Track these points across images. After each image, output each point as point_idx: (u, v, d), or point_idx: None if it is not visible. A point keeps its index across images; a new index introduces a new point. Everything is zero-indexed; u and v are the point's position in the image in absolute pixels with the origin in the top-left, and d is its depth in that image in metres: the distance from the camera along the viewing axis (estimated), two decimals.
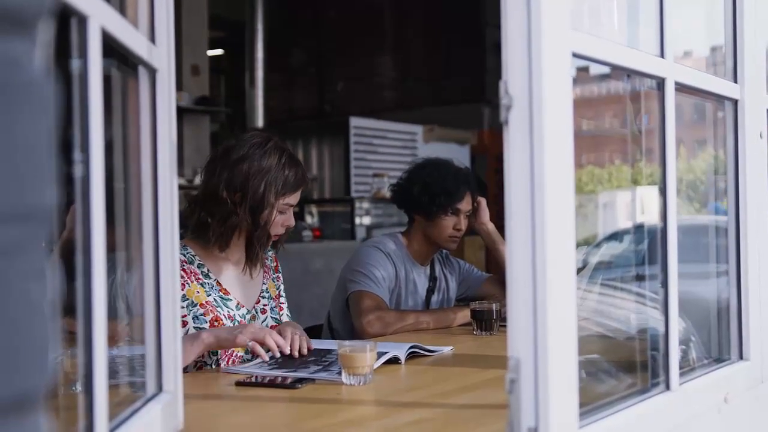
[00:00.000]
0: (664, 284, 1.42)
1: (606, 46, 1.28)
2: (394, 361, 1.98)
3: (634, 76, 1.56)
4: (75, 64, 0.93)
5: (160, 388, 1.26)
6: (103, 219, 0.94)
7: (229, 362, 2.10)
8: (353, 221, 7.04)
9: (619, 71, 1.51)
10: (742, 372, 1.68)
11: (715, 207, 2.34)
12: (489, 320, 2.48)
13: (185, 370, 1.87)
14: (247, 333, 1.93)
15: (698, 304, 1.85)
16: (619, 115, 1.87)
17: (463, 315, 2.65)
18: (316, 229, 6.73)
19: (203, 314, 2.09)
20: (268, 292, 2.30)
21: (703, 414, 1.54)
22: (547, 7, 1.07)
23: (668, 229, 1.41)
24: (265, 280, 2.30)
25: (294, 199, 2.18)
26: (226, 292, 2.17)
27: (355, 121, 7.82)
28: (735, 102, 1.70)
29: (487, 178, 7.48)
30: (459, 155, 7.12)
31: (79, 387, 1.04)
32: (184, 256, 2.12)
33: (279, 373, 1.85)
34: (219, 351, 2.06)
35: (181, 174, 6.78)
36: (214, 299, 2.13)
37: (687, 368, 1.57)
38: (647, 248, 1.68)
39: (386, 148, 7.96)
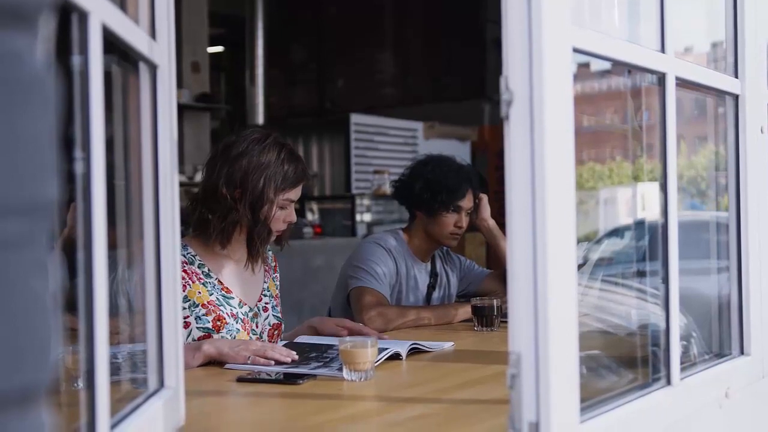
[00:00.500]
0: (665, 280, 1.42)
1: (606, 42, 1.28)
2: (395, 357, 1.98)
3: (634, 72, 1.56)
4: (76, 60, 0.93)
5: (161, 383, 1.26)
6: (105, 216, 0.94)
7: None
8: (354, 218, 7.04)
9: (619, 67, 1.51)
10: (742, 367, 1.68)
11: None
12: (490, 316, 2.48)
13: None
14: (249, 351, 1.93)
15: (699, 299, 1.85)
16: (619, 111, 1.87)
17: (464, 311, 2.65)
18: (316, 226, 6.73)
19: (205, 314, 2.09)
20: (269, 291, 2.30)
21: (704, 409, 1.54)
22: (548, 2, 1.07)
23: (669, 224, 1.41)
24: (266, 279, 2.30)
25: (294, 194, 2.18)
26: (228, 291, 2.17)
27: (355, 118, 7.82)
28: (736, 97, 1.70)
29: (487, 174, 7.48)
30: (459, 152, 7.13)
31: (80, 384, 1.04)
32: (185, 256, 2.12)
33: (281, 369, 1.85)
34: None
35: (181, 171, 6.79)
36: (216, 298, 2.13)
37: (688, 364, 1.58)
38: (648, 244, 1.68)
39: (387, 145, 7.97)
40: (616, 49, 1.31)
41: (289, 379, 1.76)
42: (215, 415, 1.56)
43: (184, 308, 2.06)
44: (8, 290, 0.47)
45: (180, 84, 7.13)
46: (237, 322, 2.14)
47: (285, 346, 2.02)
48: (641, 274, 1.79)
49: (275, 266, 2.39)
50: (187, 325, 2.06)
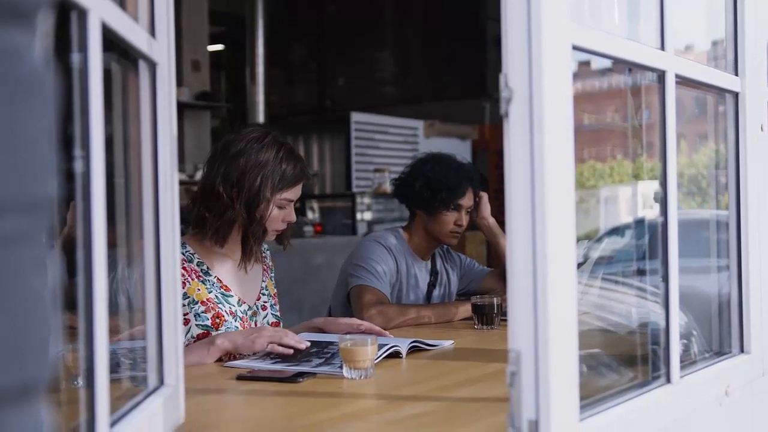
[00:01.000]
0: (665, 278, 1.42)
1: (606, 39, 1.28)
2: (396, 355, 1.98)
3: (635, 70, 1.56)
4: (75, 57, 0.93)
5: (161, 381, 1.26)
6: (104, 214, 0.94)
7: (230, 356, 2.10)
8: (354, 216, 7.04)
9: (620, 65, 1.51)
10: (743, 365, 1.68)
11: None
12: (490, 314, 2.48)
13: None
14: (264, 337, 1.94)
15: (699, 297, 1.85)
16: (620, 109, 1.87)
17: (464, 309, 2.65)
18: (317, 225, 6.73)
19: (204, 311, 2.09)
20: (267, 290, 2.31)
21: (704, 407, 1.54)
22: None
23: (669, 222, 1.41)
24: (264, 278, 2.31)
25: (293, 194, 2.17)
26: (227, 289, 2.17)
27: (355, 117, 7.82)
28: (736, 95, 1.70)
29: (488, 173, 7.48)
30: (460, 150, 7.13)
31: (80, 381, 1.04)
32: (183, 254, 2.12)
33: (280, 367, 1.85)
34: None
35: (182, 170, 6.79)
36: (216, 296, 2.13)
37: (688, 362, 1.58)
38: (648, 242, 1.68)
39: (387, 143, 7.97)
40: (615, 47, 1.31)
41: (289, 377, 1.76)
42: (215, 413, 1.56)
43: (184, 305, 2.07)
44: (7, 287, 0.47)
45: (180, 82, 7.12)
46: (236, 320, 2.14)
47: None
48: (641, 272, 1.79)
49: (271, 266, 2.39)
50: (186, 322, 2.06)
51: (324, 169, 8.33)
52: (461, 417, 1.46)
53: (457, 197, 2.80)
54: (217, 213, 2.11)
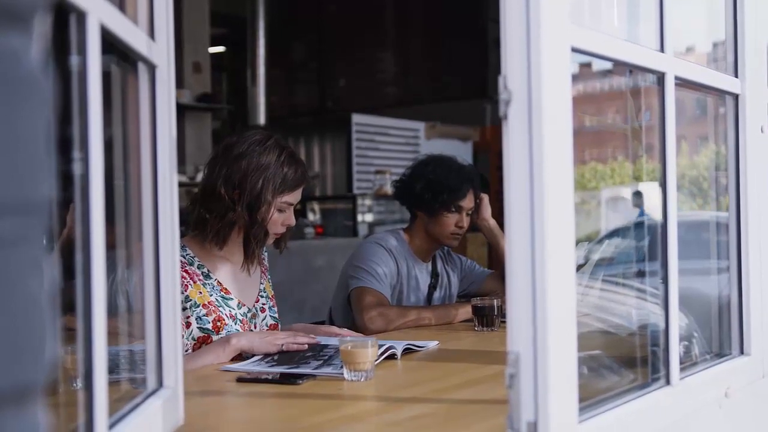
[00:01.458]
0: (665, 279, 1.42)
1: (605, 41, 1.27)
2: (391, 357, 1.98)
3: (636, 72, 1.55)
4: (74, 60, 0.93)
5: (160, 383, 1.26)
6: (103, 216, 0.94)
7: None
8: (355, 218, 7.04)
9: (621, 67, 1.51)
10: (742, 367, 1.68)
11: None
12: (490, 316, 2.48)
13: None
14: (280, 338, 2.00)
15: (700, 299, 1.85)
16: (622, 111, 1.87)
17: (465, 311, 2.65)
18: (318, 226, 6.73)
19: (206, 315, 2.10)
20: (265, 292, 2.31)
21: (704, 409, 1.54)
22: (547, 1, 1.07)
23: (668, 223, 1.41)
24: (262, 280, 2.32)
25: (293, 197, 2.18)
26: (227, 292, 2.17)
27: (357, 118, 7.83)
28: (736, 96, 1.70)
29: (489, 174, 7.48)
30: (461, 152, 7.14)
31: (79, 383, 1.04)
32: (184, 257, 2.12)
33: (279, 369, 1.85)
34: None
35: (182, 172, 6.79)
36: (216, 299, 2.14)
37: (689, 363, 1.58)
38: (649, 244, 1.68)
39: (388, 144, 7.97)
40: (615, 49, 1.31)
41: (289, 379, 1.76)
42: (214, 415, 1.56)
43: (186, 308, 2.07)
44: (4, 289, 0.47)
45: (181, 84, 7.13)
46: (236, 323, 2.15)
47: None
48: (642, 274, 1.79)
49: (267, 266, 2.40)
50: (188, 325, 2.07)
51: (325, 170, 8.33)
52: (460, 419, 1.46)
53: (458, 199, 2.80)
54: (218, 214, 2.11)
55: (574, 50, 1.15)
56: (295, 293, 5.11)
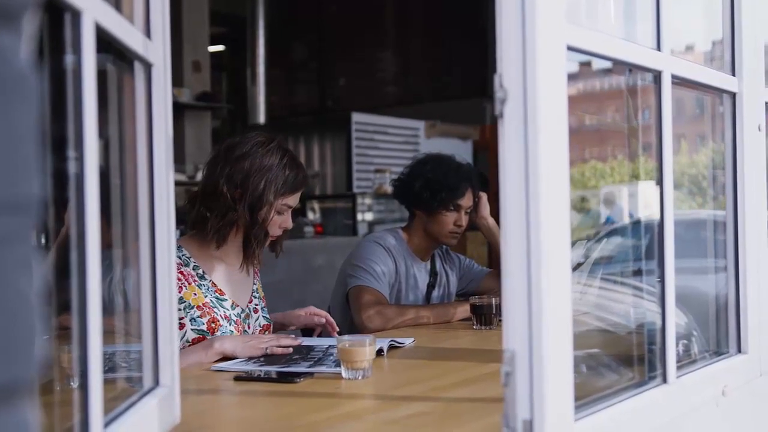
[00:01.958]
0: (661, 277, 1.42)
1: (602, 39, 1.27)
2: (378, 353, 1.99)
3: (636, 71, 1.55)
4: (69, 59, 0.93)
5: (156, 382, 1.26)
6: (98, 215, 0.94)
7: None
8: (355, 217, 7.04)
9: (620, 65, 1.51)
10: (740, 365, 1.68)
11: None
12: (488, 315, 2.48)
13: None
14: (263, 342, 2.02)
15: (699, 298, 1.85)
16: (621, 109, 1.87)
17: (463, 309, 2.65)
18: (317, 225, 6.74)
19: (200, 316, 2.10)
20: (258, 293, 2.32)
21: (701, 407, 1.54)
22: None
23: (665, 221, 1.41)
24: (255, 281, 2.32)
25: (293, 200, 2.19)
26: (221, 293, 2.18)
27: (356, 117, 7.83)
28: (733, 95, 1.70)
29: (489, 173, 7.48)
30: (461, 151, 7.13)
31: (76, 382, 1.04)
32: (180, 258, 2.13)
33: (275, 368, 1.85)
34: None
35: (182, 170, 6.79)
36: (211, 300, 2.14)
37: (688, 362, 1.58)
38: (647, 242, 1.68)
39: (388, 143, 7.97)
40: (611, 47, 1.31)
41: (286, 377, 1.76)
42: (211, 414, 1.56)
43: (180, 310, 2.08)
44: None
45: (181, 83, 7.13)
46: (230, 324, 2.15)
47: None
48: (640, 272, 1.79)
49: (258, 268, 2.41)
50: (182, 326, 2.07)
51: (325, 169, 8.33)
52: (457, 417, 1.46)
53: (457, 197, 2.80)
54: (218, 213, 2.12)
55: (570, 49, 1.15)
56: (294, 292, 5.11)
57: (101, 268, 0.97)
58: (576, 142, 1.15)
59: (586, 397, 1.23)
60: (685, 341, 1.69)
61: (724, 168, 1.74)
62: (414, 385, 1.77)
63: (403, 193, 2.91)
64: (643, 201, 1.91)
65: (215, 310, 2.13)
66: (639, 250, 1.80)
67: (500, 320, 2.48)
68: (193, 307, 2.10)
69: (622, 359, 1.62)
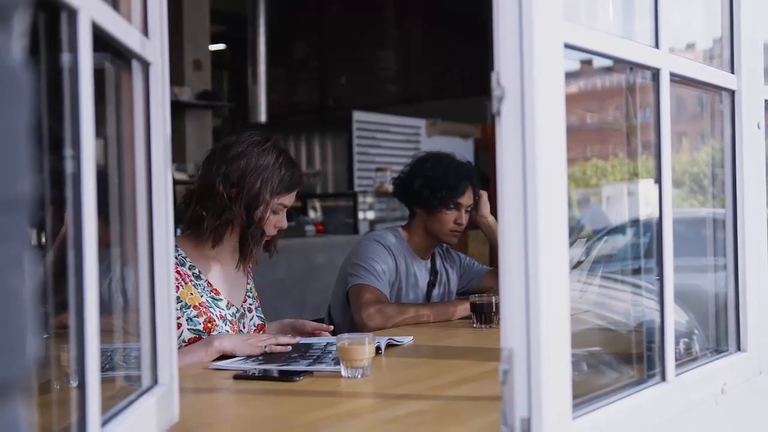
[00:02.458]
0: (660, 275, 1.42)
1: (599, 37, 1.27)
2: (376, 351, 1.99)
3: (637, 69, 1.55)
4: (65, 58, 0.93)
5: (155, 380, 1.26)
6: (95, 214, 0.94)
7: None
8: (356, 216, 7.04)
9: (620, 63, 1.50)
10: (739, 363, 1.68)
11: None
12: (488, 313, 2.48)
13: None
14: (262, 341, 2.02)
15: (700, 296, 1.85)
16: (622, 107, 1.87)
17: (463, 308, 2.65)
18: (318, 224, 6.73)
19: (196, 316, 2.10)
20: (251, 292, 2.33)
21: (700, 405, 1.54)
22: None
23: (663, 219, 1.41)
24: (249, 281, 2.32)
25: (288, 200, 2.20)
26: (217, 292, 2.18)
27: (357, 115, 7.82)
28: (732, 93, 1.70)
29: (490, 172, 7.47)
30: (462, 149, 7.13)
31: (76, 381, 1.04)
32: (176, 258, 2.13)
33: (274, 366, 1.85)
34: None
35: (182, 170, 6.79)
36: (206, 300, 2.14)
37: (688, 359, 1.58)
38: (648, 241, 1.68)
39: (389, 142, 7.96)
40: (609, 45, 1.30)
41: (286, 376, 1.76)
42: (210, 412, 1.56)
43: (177, 309, 2.08)
44: None
45: (182, 82, 7.13)
46: (226, 324, 2.16)
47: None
48: (641, 270, 1.79)
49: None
50: (178, 326, 2.07)
51: (326, 168, 8.32)
52: (455, 415, 1.46)
53: (457, 196, 2.80)
54: (215, 213, 2.12)
55: (567, 47, 1.14)
56: (295, 291, 5.11)
57: (100, 267, 0.97)
58: (578, 140, 1.15)
59: (584, 395, 1.23)
60: (686, 339, 1.69)
61: (723, 166, 1.74)
62: (413, 383, 1.77)
63: (403, 191, 2.91)
64: (643, 199, 1.91)
65: (211, 309, 2.14)
66: (639, 248, 1.79)
67: (500, 319, 2.48)
68: (189, 307, 2.10)
69: (622, 357, 1.61)
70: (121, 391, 1.23)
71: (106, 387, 0.98)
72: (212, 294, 2.17)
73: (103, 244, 1.13)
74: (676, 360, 1.44)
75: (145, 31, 1.25)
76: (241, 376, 1.78)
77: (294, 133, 8.48)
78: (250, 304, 2.30)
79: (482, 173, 3.06)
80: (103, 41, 1.03)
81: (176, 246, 2.15)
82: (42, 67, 0.94)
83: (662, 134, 1.41)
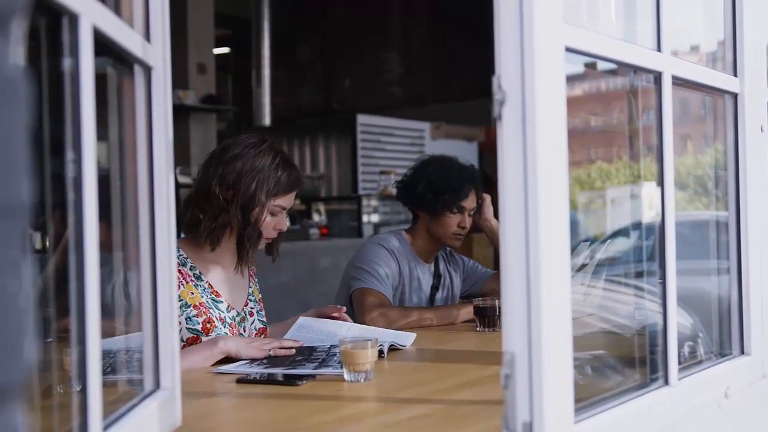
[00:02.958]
0: (663, 279, 1.42)
1: (601, 41, 1.27)
2: (379, 354, 1.98)
3: (641, 72, 1.55)
4: (67, 62, 0.94)
5: (157, 384, 1.26)
6: (96, 218, 0.94)
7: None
8: (360, 219, 7.03)
9: (624, 66, 1.50)
10: (743, 367, 1.67)
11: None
12: (492, 316, 2.48)
13: None
14: (266, 344, 2.02)
15: (704, 299, 1.85)
16: (626, 110, 1.86)
17: (466, 311, 2.65)
18: (323, 227, 6.73)
19: (196, 315, 2.11)
20: (253, 296, 2.32)
21: (703, 409, 1.53)
22: (540, 0, 1.07)
23: (666, 222, 1.41)
24: (251, 284, 2.32)
25: (286, 201, 2.19)
26: (218, 294, 2.18)
27: (362, 119, 7.83)
28: (735, 96, 1.69)
29: (494, 174, 7.47)
30: (467, 152, 7.12)
31: (79, 385, 1.04)
32: (178, 258, 2.13)
33: (278, 370, 1.85)
34: None
35: (187, 173, 6.79)
36: (207, 301, 2.15)
37: (693, 363, 1.57)
38: (652, 244, 1.68)
39: (393, 145, 7.97)
40: (610, 48, 1.30)
41: (289, 380, 1.76)
42: (212, 417, 1.56)
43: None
44: None
45: (186, 85, 7.13)
46: (225, 326, 2.16)
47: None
48: (645, 273, 1.78)
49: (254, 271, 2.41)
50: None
51: (330, 171, 8.33)
52: (458, 420, 1.46)
53: (460, 199, 2.79)
54: (211, 215, 2.12)
55: (569, 50, 1.14)
56: (299, 294, 5.11)
57: (103, 271, 0.97)
58: (582, 143, 1.14)
59: (587, 398, 1.23)
60: (690, 343, 1.68)
61: (726, 169, 1.74)
62: (417, 387, 1.77)
63: (406, 195, 2.91)
64: (647, 202, 1.90)
65: (211, 311, 2.14)
66: (645, 251, 1.79)
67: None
68: (189, 306, 2.11)
69: (625, 361, 1.61)
70: (123, 395, 1.23)
71: (107, 391, 0.98)
72: (213, 296, 2.17)
73: (106, 248, 1.13)
74: (680, 363, 1.44)
75: (147, 35, 1.25)
76: (243, 380, 1.78)
77: (298, 136, 8.49)
78: (252, 308, 2.30)
79: (485, 176, 3.05)
80: (104, 46, 1.04)
81: (178, 248, 2.16)
82: (44, 71, 0.94)
83: (664, 137, 1.41)
